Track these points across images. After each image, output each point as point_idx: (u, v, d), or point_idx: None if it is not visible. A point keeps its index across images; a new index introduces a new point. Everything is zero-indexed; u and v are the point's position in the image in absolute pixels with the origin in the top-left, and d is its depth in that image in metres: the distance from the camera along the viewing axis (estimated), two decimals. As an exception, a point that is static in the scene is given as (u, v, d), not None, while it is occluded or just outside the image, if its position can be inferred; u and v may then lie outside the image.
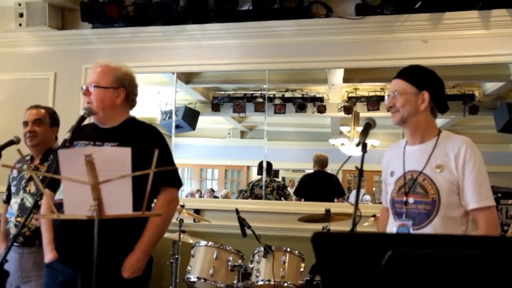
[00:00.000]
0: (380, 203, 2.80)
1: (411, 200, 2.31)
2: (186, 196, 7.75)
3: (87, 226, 2.02)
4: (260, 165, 5.94)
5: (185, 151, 8.49)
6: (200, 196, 8.74)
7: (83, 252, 2.41)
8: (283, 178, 9.26)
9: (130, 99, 2.65)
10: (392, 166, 2.47)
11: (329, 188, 5.52)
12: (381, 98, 6.21)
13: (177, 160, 2.78)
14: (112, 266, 2.39)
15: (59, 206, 2.09)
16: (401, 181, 2.37)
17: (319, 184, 5.91)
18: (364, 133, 2.15)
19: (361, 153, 2.11)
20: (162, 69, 5.23)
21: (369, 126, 2.18)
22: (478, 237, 1.63)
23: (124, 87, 2.60)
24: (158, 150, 1.92)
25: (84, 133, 2.61)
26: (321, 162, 6.12)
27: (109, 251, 2.31)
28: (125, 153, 1.93)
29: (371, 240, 1.38)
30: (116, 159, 1.95)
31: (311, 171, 6.35)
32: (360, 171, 1.95)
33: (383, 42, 4.55)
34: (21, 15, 5.23)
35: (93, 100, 2.55)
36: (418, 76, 2.37)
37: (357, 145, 2.02)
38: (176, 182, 2.64)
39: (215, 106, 7.32)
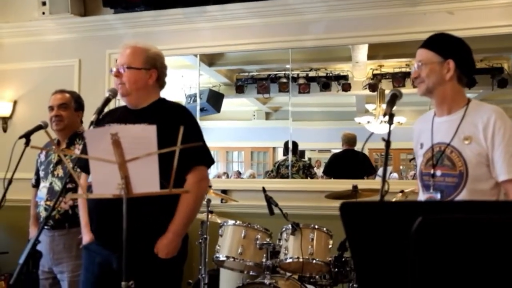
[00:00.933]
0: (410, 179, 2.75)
1: (438, 172, 2.27)
2: (213, 178, 7.79)
3: (119, 206, 2.04)
4: (286, 145, 5.92)
5: (211, 134, 8.50)
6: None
7: (116, 233, 2.44)
8: (309, 159, 9.23)
9: (161, 80, 2.64)
10: (422, 138, 2.42)
11: (359, 166, 5.46)
12: (407, 74, 6.13)
13: None
14: (145, 246, 2.39)
15: (90, 188, 2.12)
16: (429, 153, 2.33)
17: (349, 163, 5.84)
18: (391, 104, 2.10)
19: (387, 127, 2.07)
20: (184, 51, 5.23)
21: (395, 96, 2.14)
22: (506, 202, 1.60)
23: (156, 68, 2.59)
24: (184, 127, 1.92)
25: (115, 115, 2.64)
26: (349, 140, 6.04)
27: (141, 231, 2.33)
28: (151, 130, 1.94)
29: (400, 208, 1.36)
30: (142, 137, 1.96)
31: (338, 150, 6.31)
32: (387, 142, 1.91)
33: (408, 15, 4.47)
34: (43, 3, 5.29)
35: (126, 82, 2.54)
36: (443, 44, 2.30)
37: (384, 115, 1.98)
38: (205, 160, 2.57)
39: (239, 88, 7.31)
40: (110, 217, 2.39)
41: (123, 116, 2.60)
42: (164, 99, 2.67)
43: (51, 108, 3.28)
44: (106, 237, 2.51)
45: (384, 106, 6.81)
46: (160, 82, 2.65)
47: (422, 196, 2.37)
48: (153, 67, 2.57)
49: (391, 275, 1.29)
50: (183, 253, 2.54)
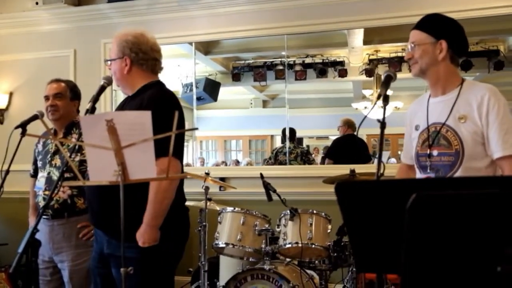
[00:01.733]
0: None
1: (435, 152, 2.29)
2: (212, 166, 7.80)
3: (110, 192, 2.05)
4: (284, 132, 5.92)
5: (208, 123, 8.50)
6: (226, 167, 8.78)
7: (105, 218, 2.47)
8: (308, 146, 9.21)
9: (139, 63, 2.59)
10: (417, 120, 2.43)
11: (359, 152, 5.46)
12: (403, 59, 6.10)
13: (200, 132, 2.70)
14: (132, 233, 2.39)
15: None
16: (425, 134, 2.34)
17: (350, 148, 5.84)
18: (385, 85, 2.11)
19: (382, 108, 2.08)
20: (180, 40, 5.21)
21: (389, 78, 2.14)
22: (499, 178, 1.61)
23: (127, 55, 2.58)
24: (153, 113, 1.89)
25: (120, 106, 2.71)
26: (351, 125, 6.06)
27: (128, 218, 2.34)
28: (145, 116, 1.93)
29: (395, 185, 1.37)
30: (136, 123, 1.96)
31: (335, 137, 6.31)
32: (383, 123, 1.92)
33: (403, -2, 4.46)
34: (37, -7, 5.27)
35: (112, 73, 2.65)
36: (435, 25, 2.31)
37: (378, 96, 1.99)
38: (166, 151, 2.10)
39: (236, 76, 7.27)
40: (107, 204, 2.41)
41: (123, 104, 2.69)
42: (152, 84, 2.61)
43: (46, 97, 3.27)
44: (98, 222, 2.59)
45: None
46: (145, 67, 2.60)
47: (419, 177, 2.37)
48: (124, 55, 2.58)
49: (387, 251, 1.30)
50: (169, 243, 2.49)
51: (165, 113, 2.18)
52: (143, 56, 2.59)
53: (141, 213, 2.39)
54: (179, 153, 2.51)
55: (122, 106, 2.67)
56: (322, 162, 6.82)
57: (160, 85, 2.64)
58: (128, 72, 2.59)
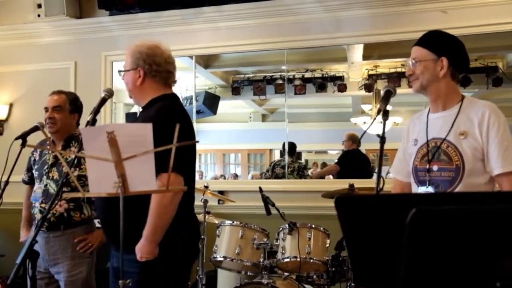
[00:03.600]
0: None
1: (435, 167, 2.29)
2: (210, 180, 7.78)
3: (113, 205, 2.05)
4: (284, 146, 5.92)
5: (207, 136, 8.51)
6: (224, 181, 8.76)
7: (112, 231, 2.47)
8: (306, 160, 9.22)
9: (152, 75, 2.56)
10: (415, 135, 2.44)
11: (362, 167, 5.47)
12: (402, 74, 6.13)
13: (199, 145, 2.65)
14: (131, 248, 2.37)
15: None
16: (424, 149, 2.34)
17: (357, 162, 5.84)
18: (385, 100, 2.12)
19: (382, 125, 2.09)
20: (180, 53, 5.21)
21: (389, 93, 2.16)
22: (499, 193, 1.61)
23: (141, 66, 2.56)
24: (157, 128, 1.91)
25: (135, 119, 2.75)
26: (356, 139, 6.05)
27: (131, 231, 2.34)
28: (147, 129, 1.94)
29: (395, 200, 1.37)
30: (137, 135, 1.96)
31: (334, 152, 6.32)
32: (382, 138, 1.93)
33: (402, 15, 4.50)
34: (39, 6, 5.32)
35: (125, 84, 2.64)
36: (436, 42, 2.34)
37: (378, 111, 2.00)
38: (162, 167, 2.04)
39: (235, 89, 7.29)
40: (111, 216, 2.41)
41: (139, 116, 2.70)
42: (162, 97, 2.59)
43: (46, 109, 3.27)
44: (106, 234, 2.59)
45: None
46: (157, 79, 2.58)
47: (416, 191, 2.38)
48: (138, 66, 2.56)
49: (386, 266, 1.30)
50: (171, 263, 2.46)
51: (167, 126, 2.07)
52: (156, 68, 2.56)
53: (143, 226, 2.38)
54: (184, 168, 2.40)
55: (136, 119, 2.69)
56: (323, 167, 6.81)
57: (170, 98, 2.61)
58: (141, 84, 2.57)
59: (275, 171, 6.00)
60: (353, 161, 5.94)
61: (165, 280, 2.47)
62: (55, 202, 2.65)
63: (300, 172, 6.04)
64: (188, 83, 6.44)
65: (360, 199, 1.38)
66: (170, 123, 2.03)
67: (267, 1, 4.76)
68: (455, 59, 2.32)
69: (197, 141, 2.20)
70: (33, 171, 3.32)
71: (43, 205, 3.13)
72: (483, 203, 1.19)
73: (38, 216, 3.15)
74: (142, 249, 2.37)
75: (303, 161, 8.46)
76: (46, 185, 3.18)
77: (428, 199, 1.31)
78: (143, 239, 2.37)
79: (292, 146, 5.97)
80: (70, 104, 3.30)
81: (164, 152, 1.87)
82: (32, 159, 3.37)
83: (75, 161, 2.91)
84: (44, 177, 3.20)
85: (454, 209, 1.16)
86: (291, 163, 6.01)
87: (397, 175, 2.56)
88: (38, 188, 3.21)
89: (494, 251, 1.12)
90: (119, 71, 2.65)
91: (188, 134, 2.46)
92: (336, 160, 6.41)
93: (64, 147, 3.25)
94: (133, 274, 2.30)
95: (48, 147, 3.04)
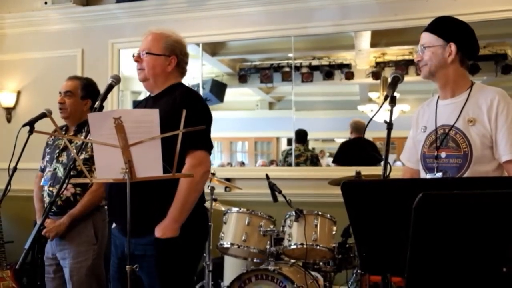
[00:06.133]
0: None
1: (443, 154, 2.28)
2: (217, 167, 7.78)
3: (125, 191, 2.06)
4: (296, 134, 5.85)
5: (214, 124, 8.42)
6: (231, 169, 8.76)
7: (123, 217, 2.47)
8: (313, 148, 9.19)
9: (181, 67, 2.65)
10: (424, 122, 2.43)
11: (367, 155, 5.41)
12: (410, 62, 6.10)
13: None
14: (150, 231, 2.39)
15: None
16: (433, 136, 2.33)
17: (358, 151, 5.78)
18: (392, 86, 2.11)
19: (388, 110, 2.08)
20: (187, 40, 5.16)
21: (397, 79, 2.15)
22: (505, 178, 1.60)
23: (176, 55, 2.60)
24: (186, 111, 1.93)
25: (141, 105, 2.72)
26: (358, 128, 5.97)
27: (145, 216, 2.36)
28: (153, 114, 1.95)
29: (401, 185, 1.37)
30: (144, 121, 1.97)
31: (341, 140, 6.28)
32: (389, 124, 1.92)
33: (410, 1, 4.46)
34: (46, -7, 5.30)
35: (145, 67, 2.59)
36: (445, 28, 2.32)
37: (385, 97, 1.99)
38: (202, 144, 2.45)
39: (242, 77, 7.27)
40: (121, 202, 2.41)
41: (145, 103, 2.69)
42: (178, 84, 2.65)
43: (60, 93, 3.28)
44: (119, 222, 2.58)
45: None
46: (180, 69, 2.66)
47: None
48: (172, 54, 2.60)
49: (392, 251, 1.30)
50: (190, 236, 2.48)
51: (196, 109, 2.45)
52: (183, 58, 2.65)
53: (160, 208, 2.40)
54: (210, 146, 2.54)
55: (145, 106, 2.65)
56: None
57: (185, 86, 2.68)
58: (170, 71, 2.61)
59: (287, 160, 5.95)
60: (352, 151, 5.78)
61: (182, 260, 2.49)
62: (63, 186, 2.64)
63: (314, 161, 5.98)
64: (195, 71, 6.44)
65: (366, 184, 1.38)
66: (201, 108, 2.51)
67: (274, -12, 4.73)
68: (464, 45, 2.29)
69: (203, 127, 2.21)
70: (46, 155, 3.34)
71: (50, 188, 3.14)
72: (489, 189, 1.18)
73: (46, 199, 3.16)
74: (166, 228, 2.38)
75: (311, 148, 8.45)
76: (55, 169, 3.18)
77: (434, 184, 1.31)
78: (168, 219, 2.39)
79: (303, 133, 5.92)
80: (82, 89, 3.28)
81: (197, 132, 2.02)
82: (47, 143, 3.39)
83: (83, 145, 2.92)
84: (54, 161, 3.21)
85: (461, 194, 1.16)
86: (304, 151, 5.95)
87: (407, 162, 2.56)
88: (48, 171, 3.22)
89: (500, 236, 1.12)
90: (146, 53, 2.58)
91: (211, 116, 2.63)
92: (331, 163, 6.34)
93: (76, 132, 3.25)
94: (153, 257, 2.35)
95: (57, 133, 3.04)
